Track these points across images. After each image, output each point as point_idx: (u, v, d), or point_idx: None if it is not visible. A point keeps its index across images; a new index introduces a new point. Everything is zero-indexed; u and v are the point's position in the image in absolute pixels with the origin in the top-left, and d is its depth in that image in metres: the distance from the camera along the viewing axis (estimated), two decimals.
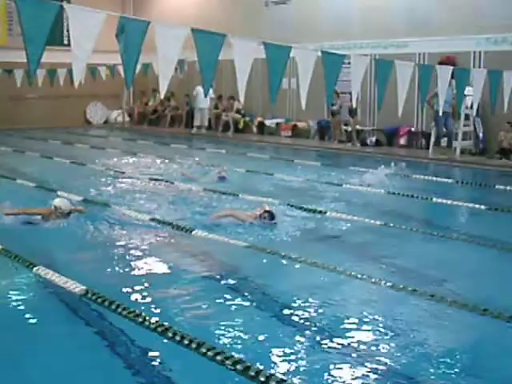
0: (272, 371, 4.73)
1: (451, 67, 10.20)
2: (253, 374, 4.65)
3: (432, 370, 4.90)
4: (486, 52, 18.02)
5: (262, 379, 4.58)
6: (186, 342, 5.12)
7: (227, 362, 4.80)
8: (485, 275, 7.34)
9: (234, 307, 6.15)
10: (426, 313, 6.12)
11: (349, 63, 9.66)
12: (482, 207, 10.98)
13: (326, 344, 5.32)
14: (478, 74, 10.45)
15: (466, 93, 12.79)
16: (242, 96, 7.35)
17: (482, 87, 10.45)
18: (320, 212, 10.25)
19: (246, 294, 6.54)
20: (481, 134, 18.12)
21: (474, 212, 10.97)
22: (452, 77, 10.55)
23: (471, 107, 16.97)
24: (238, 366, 4.73)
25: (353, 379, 4.73)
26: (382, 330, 5.62)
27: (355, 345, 5.31)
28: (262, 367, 4.74)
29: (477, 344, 5.51)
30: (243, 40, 7.24)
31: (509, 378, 4.87)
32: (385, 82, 8.47)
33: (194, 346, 5.05)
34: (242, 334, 5.43)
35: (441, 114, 14.97)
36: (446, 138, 18.03)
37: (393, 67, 8.55)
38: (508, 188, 12.88)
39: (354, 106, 12.13)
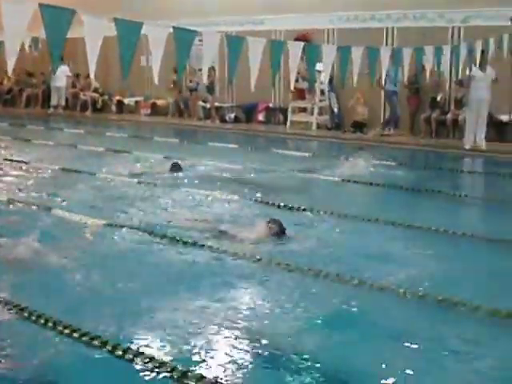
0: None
1: (302, 43, 10.45)
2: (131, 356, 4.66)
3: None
4: (339, 29, 18.56)
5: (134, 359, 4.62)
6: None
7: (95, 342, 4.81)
8: (339, 245, 7.59)
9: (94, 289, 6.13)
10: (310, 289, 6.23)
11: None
12: (337, 179, 11.40)
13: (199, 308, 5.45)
14: (328, 50, 10.76)
15: (318, 68, 13.13)
16: (93, 74, 7.27)
17: (332, 63, 10.77)
18: (178, 187, 10.42)
19: (105, 272, 6.54)
20: (336, 109, 18.71)
21: (330, 183, 11.34)
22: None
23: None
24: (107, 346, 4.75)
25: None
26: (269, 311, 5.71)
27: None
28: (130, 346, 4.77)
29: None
30: (93, 16, 7.18)
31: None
32: (236, 58, 8.59)
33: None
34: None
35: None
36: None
37: (245, 43, 8.70)
38: (359, 161, 13.38)
39: (204, 81, 12.20)
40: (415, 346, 4.91)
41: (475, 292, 6.01)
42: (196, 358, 4.68)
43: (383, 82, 16.43)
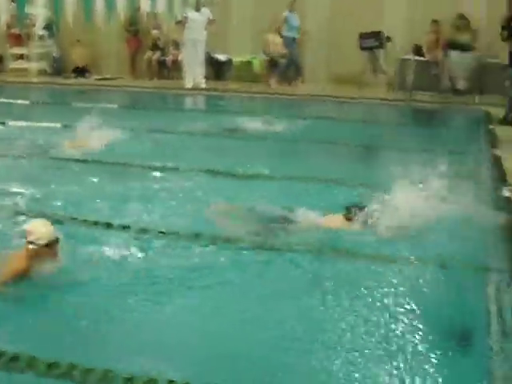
0: None
1: None
2: None
3: None
4: None
5: None
6: None
7: None
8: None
9: None
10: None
11: None
12: (58, 125, 11.30)
13: None
14: None
15: (34, 12, 12.76)
16: None
17: (45, 6, 10.51)
18: None
19: None
20: (55, 54, 18.26)
21: (55, 130, 11.12)
22: None
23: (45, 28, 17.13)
24: None
25: None
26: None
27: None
28: None
29: None
30: None
31: None
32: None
33: None
34: None
35: None
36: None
37: None
38: (82, 105, 13.35)
39: None
40: None
41: None
42: None
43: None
